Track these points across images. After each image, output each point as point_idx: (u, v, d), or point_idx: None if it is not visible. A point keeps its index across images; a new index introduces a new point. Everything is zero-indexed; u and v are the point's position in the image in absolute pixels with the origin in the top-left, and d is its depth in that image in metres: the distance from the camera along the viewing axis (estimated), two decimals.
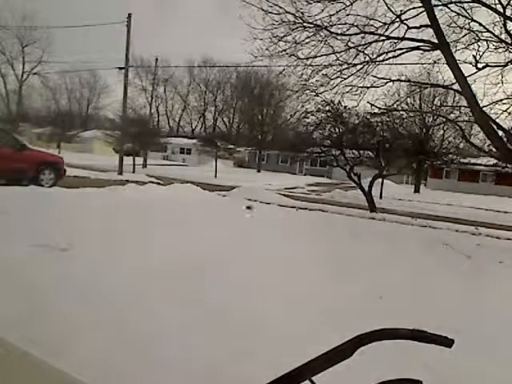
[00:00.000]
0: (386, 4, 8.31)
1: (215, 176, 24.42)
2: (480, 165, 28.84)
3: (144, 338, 2.97)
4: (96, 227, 6.55)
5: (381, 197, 19.14)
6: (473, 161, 28.10)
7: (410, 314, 3.86)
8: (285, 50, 9.02)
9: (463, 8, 8.25)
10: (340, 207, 14.10)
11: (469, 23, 8.34)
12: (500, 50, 8.49)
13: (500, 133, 8.51)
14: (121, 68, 21.27)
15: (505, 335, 3.62)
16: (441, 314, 3.95)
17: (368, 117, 13.32)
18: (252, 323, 3.38)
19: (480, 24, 8.27)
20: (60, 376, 0.72)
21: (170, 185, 13.82)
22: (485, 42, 8.44)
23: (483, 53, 8.43)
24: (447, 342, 0.74)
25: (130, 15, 19.82)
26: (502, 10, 7.81)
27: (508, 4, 7.76)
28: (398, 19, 8.38)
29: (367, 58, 8.85)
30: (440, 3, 8.23)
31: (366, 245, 7.55)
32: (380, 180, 17.28)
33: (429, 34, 8.40)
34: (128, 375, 2.50)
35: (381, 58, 8.84)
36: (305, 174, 37.08)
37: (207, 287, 4.20)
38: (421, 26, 8.41)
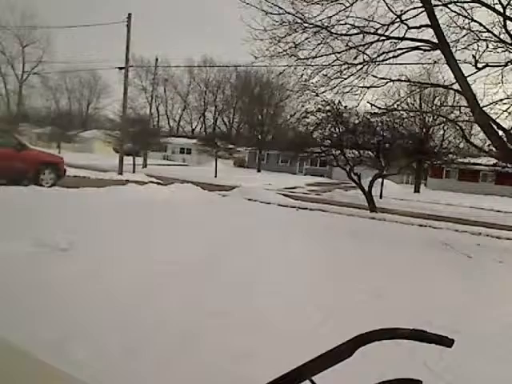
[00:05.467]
0: (386, 4, 8.31)
1: (215, 176, 24.41)
2: (480, 165, 28.83)
3: (145, 340, 2.97)
4: (96, 227, 6.55)
5: (381, 197, 19.13)
6: (473, 161, 28.07)
7: (411, 313, 3.86)
8: (285, 51, 9.02)
9: (463, 8, 8.25)
10: (340, 207, 14.09)
11: (469, 23, 8.33)
12: (500, 50, 8.49)
13: (500, 133, 8.50)
14: (121, 68, 21.24)
15: (504, 335, 3.62)
16: (441, 314, 3.95)
17: (368, 117, 13.31)
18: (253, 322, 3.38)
19: (480, 24, 8.26)
20: (60, 376, 0.72)
21: (170, 185, 13.82)
22: (485, 42, 8.43)
23: (483, 53, 8.43)
24: (447, 342, 0.74)
25: (129, 15, 19.80)
26: (501, 10, 7.81)
27: (508, 4, 7.76)
28: (398, 19, 8.38)
29: (367, 58, 8.85)
30: (440, 3, 8.21)
31: (366, 244, 7.55)
32: (380, 180, 17.28)
33: (429, 34, 8.41)
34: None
35: (381, 58, 8.84)
36: (305, 174, 37.07)
37: (207, 286, 4.21)
38: (421, 26, 8.40)
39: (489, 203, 20.90)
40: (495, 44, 8.35)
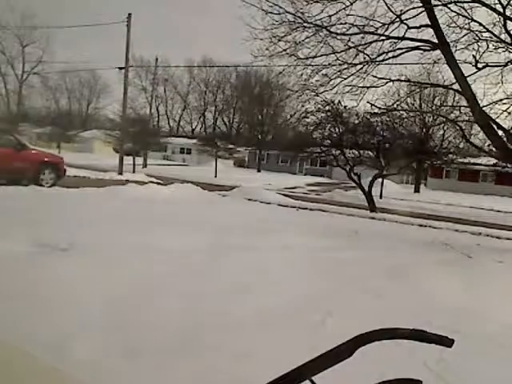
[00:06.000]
0: (386, 4, 8.30)
1: (215, 176, 24.41)
2: (480, 165, 28.85)
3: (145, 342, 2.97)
4: (96, 227, 6.55)
5: (381, 197, 19.14)
6: (473, 161, 28.08)
7: (410, 313, 3.86)
8: (285, 50, 9.01)
9: (463, 8, 8.23)
10: (340, 207, 14.09)
11: (469, 23, 8.32)
12: (500, 50, 8.48)
13: (500, 133, 8.50)
14: (121, 68, 21.25)
15: (504, 335, 3.62)
16: (441, 314, 3.94)
17: (368, 117, 13.32)
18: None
19: (480, 24, 8.25)
20: (60, 376, 0.72)
21: (170, 185, 13.82)
22: (485, 42, 8.42)
23: (483, 53, 8.42)
24: (447, 342, 0.74)
25: (129, 15, 19.81)
26: (502, 10, 7.80)
27: (508, 4, 7.74)
28: (397, 19, 8.37)
29: (367, 58, 8.84)
30: (440, 3, 8.20)
31: (366, 244, 7.55)
32: (380, 180, 17.29)
33: (429, 34, 8.40)
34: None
35: (381, 57, 8.83)
36: (305, 174, 37.07)
37: (207, 286, 4.20)
38: (421, 26, 8.40)
39: (489, 203, 20.90)
40: (495, 44, 8.34)
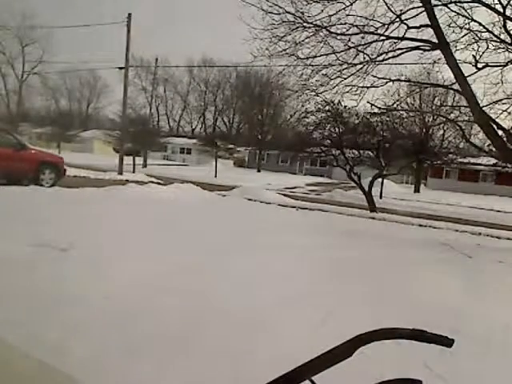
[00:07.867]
0: (386, 4, 8.31)
1: (215, 176, 24.41)
2: (480, 165, 28.88)
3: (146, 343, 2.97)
4: (96, 227, 6.55)
5: (381, 196, 19.14)
6: (473, 161, 28.12)
7: (410, 313, 3.86)
8: (285, 50, 9.02)
9: (463, 8, 8.25)
10: (340, 207, 14.09)
11: (469, 23, 8.34)
12: (500, 50, 8.49)
13: (500, 133, 8.51)
14: (121, 68, 21.26)
15: (504, 334, 3.62)
16: (441, 313, 3.94)
17: (368, 117, 13.33)
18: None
19: (480, 24, 8.27)
20: (60, 376, 0.72)
21: (170, 184, 13.83)
22: (485, 42, 8.44)
23: (483, 53, 8.44)
24: (447, 342, 0.74)
25: (129, 15, 19.81)
26: (501, 10, 7.81)
27: (508, 4, 7.76)
28: (397, 19, 8.38)
29: (367, 58, 8.85)
30: (440, 3, 8.22)
31: (365, 244, 7.55)
32: (380, 180, 17.29)
33: (429, 34, 8.42)
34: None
35: (381, 57, 8.85)
36: (305, 174, 37.08)
37: (207, 286, 4.20)
38: (421, 26, 8.41)
39: (489, 203, 20.91)
40: (495, 44, 8.35)
